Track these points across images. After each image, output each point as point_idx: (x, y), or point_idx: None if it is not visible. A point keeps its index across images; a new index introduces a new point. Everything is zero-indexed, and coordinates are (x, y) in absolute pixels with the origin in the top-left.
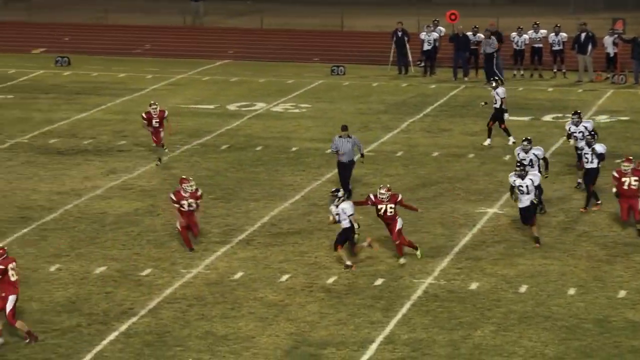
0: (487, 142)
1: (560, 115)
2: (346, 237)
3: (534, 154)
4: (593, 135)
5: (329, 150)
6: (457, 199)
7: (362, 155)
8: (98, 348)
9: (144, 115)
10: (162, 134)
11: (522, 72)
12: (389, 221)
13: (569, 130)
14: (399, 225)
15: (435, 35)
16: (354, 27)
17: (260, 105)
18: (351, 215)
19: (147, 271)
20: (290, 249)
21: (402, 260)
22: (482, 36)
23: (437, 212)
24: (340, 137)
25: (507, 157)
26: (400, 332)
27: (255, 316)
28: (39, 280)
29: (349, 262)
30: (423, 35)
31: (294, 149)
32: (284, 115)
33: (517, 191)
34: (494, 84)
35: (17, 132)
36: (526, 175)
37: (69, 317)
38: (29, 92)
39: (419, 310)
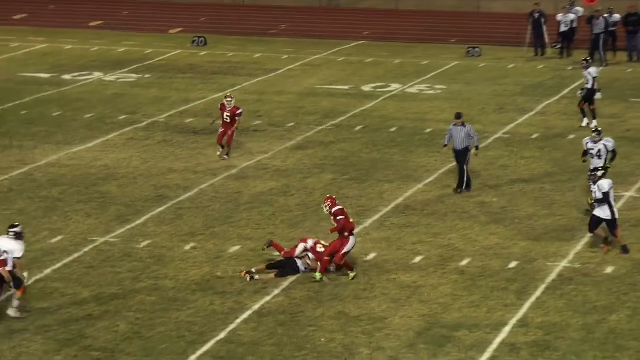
0: (584, 122)
1: None
2: (283, 266)
3: (603, 144)
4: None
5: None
6: None
7: (477, 148)
8: (232, 327)
9: (219, 105)
10: (233, 134)
11: None
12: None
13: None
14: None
15: (572, 16)
16: (490, 8)
17: (395, 87)
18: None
19: (277, 253)
20: (423, 231)
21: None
22: (618, 17)
23: (572, 196)
24: (454, 125)
25: None
26: (534, 315)
27: (388, 297)
28: (174, 258)
29: (256, 276)
30: (560, 17)
31: (428, 130)
32: (418, 97)
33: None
34: (585, 64)
35: (154, 111)
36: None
37: (203, 295)
38: (166, 72)
39: (553, 293)
